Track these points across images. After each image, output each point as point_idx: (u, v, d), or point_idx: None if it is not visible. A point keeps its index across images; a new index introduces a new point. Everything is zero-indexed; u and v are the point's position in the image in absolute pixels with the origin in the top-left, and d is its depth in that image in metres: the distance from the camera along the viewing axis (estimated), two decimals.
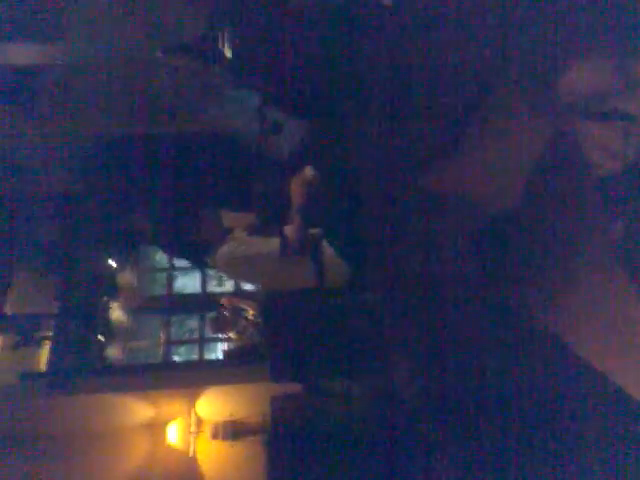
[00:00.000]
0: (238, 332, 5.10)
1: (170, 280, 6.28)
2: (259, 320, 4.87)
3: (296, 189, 2.66)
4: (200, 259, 2.97)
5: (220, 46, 2.83)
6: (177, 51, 3.31)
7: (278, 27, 2.68)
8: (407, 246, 2.68)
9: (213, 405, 5.00)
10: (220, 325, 5.29)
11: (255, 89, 2.78)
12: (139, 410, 5.06)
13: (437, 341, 2.52)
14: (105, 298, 5.82)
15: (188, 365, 5.89)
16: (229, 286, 6.30)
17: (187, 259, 3.01)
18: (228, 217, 3.73)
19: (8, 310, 5.63)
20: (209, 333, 5.94)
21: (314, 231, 2.78)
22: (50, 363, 5.41)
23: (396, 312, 2.94)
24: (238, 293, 5.78)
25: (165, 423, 4.97)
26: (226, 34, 2.76)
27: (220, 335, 5.72)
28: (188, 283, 6.65)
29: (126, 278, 5.98)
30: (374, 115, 2.68)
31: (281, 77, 2.70)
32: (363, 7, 2.79)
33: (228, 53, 2.80)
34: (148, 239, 4.17)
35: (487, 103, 2.10)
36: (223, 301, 5.20)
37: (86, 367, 5.41)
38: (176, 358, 7.47)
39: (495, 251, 1.94)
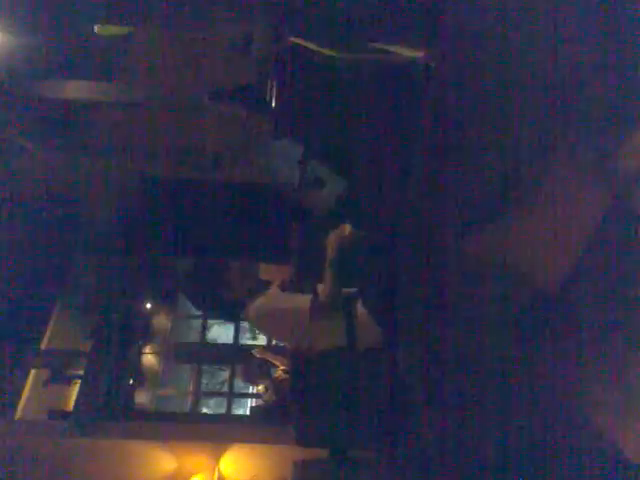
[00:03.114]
0: (267, 387, 4.97)
1: (204, 328, 6.23)
2: (288, 377, 4.73)
3: (332, 246, 2.57)
4: (231, 311, 2.88)
5: (266, 96, 2.83)
6: (223, 97, 3.32)
7: (325, 83, 2.67)
8: (444, 312, 2.55)
9: (237, 463, 4.82)
10: (249, 376, 5.20)
11: (298, 141, 2.75)
12: (162, 461, 4.93)
13: (472, 411, 2.38)
14: (138, 341, 5.79)
15: (215, 419, 5.75)
16: (263, 340, 6.21)
17: (218, 312, 2.92)
18: (265, 269, 3.66)
19: (43, 345, 5.66)
20: (239, 382, 5.84)
21: (348, 291, 2.68)
22: (77, 403, 5.38)
23: (430, 380, 2.80)
24: (270, 347, 5.67)
25: (187, 477, 4.81)
26: (273, 84, 2.76)
27: (250, 387, 5.61)
28: (222, 333, 6.60)
29: (161, 323, 5.96)
30: (417, 176, 2.60)
31: (325, 132, 2.67)
32: (409, 67, 2.77)
33: (273, 103, 2.79)
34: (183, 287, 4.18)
35: (540, 169, 1.99)
36: (254, 352, 5.12)
37: (113, 411, 5.35)
38: (204, 409, 7.37)
39: (535, 328, 1.79)
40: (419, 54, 2.74)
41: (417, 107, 2.68)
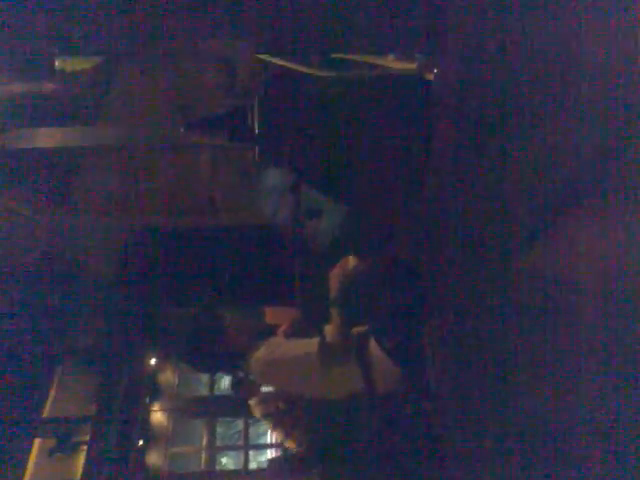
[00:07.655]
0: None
1: (213, 380, 5.92)
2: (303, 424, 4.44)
3: (335, 281, 2.32)
4: (231, 366, 2.62)
5: (248, 121, 2.60)
6: (201, 127, 3.09)
7: (313, 104, 2.45)
8: (470, 343, 2.31)
9: None
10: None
11: (287, 169, 2.51)
12: None
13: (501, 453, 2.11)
14: (145, 399, 5.51)
15: (231, 475, 5.43)
16: None
17: (216, 368, 2.65)
18: (270, 313, 3.39)
19: (46, 412, 5.40)
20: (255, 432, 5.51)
21: (358, 329, 2.41)
22: (86, 471, 5.08)
23: (456, 420, 2.54)
24: None
25: None
26: (255, 110, 2.53)
27: (267, 437, 5.29)
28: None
29: (167, 378, 5.68)
30: (424, 196, 2.37)
31: (317, 156, 2.43)
32: (404, 82, 2.56)
33: (256, 129, 2.55)
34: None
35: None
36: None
37: (124, 476, 5.07)
38: (224, 462, 7.07)
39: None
40: (411, 66, 2.54)
41: (416, 122, 2.46)
